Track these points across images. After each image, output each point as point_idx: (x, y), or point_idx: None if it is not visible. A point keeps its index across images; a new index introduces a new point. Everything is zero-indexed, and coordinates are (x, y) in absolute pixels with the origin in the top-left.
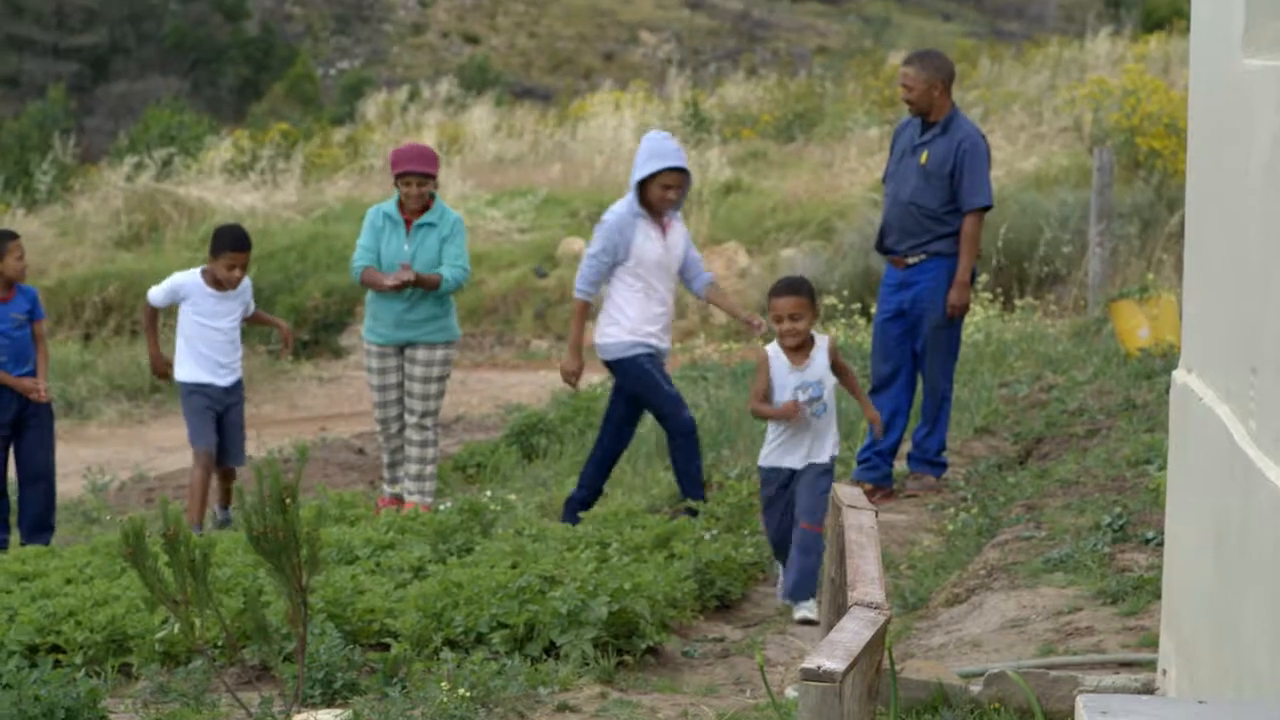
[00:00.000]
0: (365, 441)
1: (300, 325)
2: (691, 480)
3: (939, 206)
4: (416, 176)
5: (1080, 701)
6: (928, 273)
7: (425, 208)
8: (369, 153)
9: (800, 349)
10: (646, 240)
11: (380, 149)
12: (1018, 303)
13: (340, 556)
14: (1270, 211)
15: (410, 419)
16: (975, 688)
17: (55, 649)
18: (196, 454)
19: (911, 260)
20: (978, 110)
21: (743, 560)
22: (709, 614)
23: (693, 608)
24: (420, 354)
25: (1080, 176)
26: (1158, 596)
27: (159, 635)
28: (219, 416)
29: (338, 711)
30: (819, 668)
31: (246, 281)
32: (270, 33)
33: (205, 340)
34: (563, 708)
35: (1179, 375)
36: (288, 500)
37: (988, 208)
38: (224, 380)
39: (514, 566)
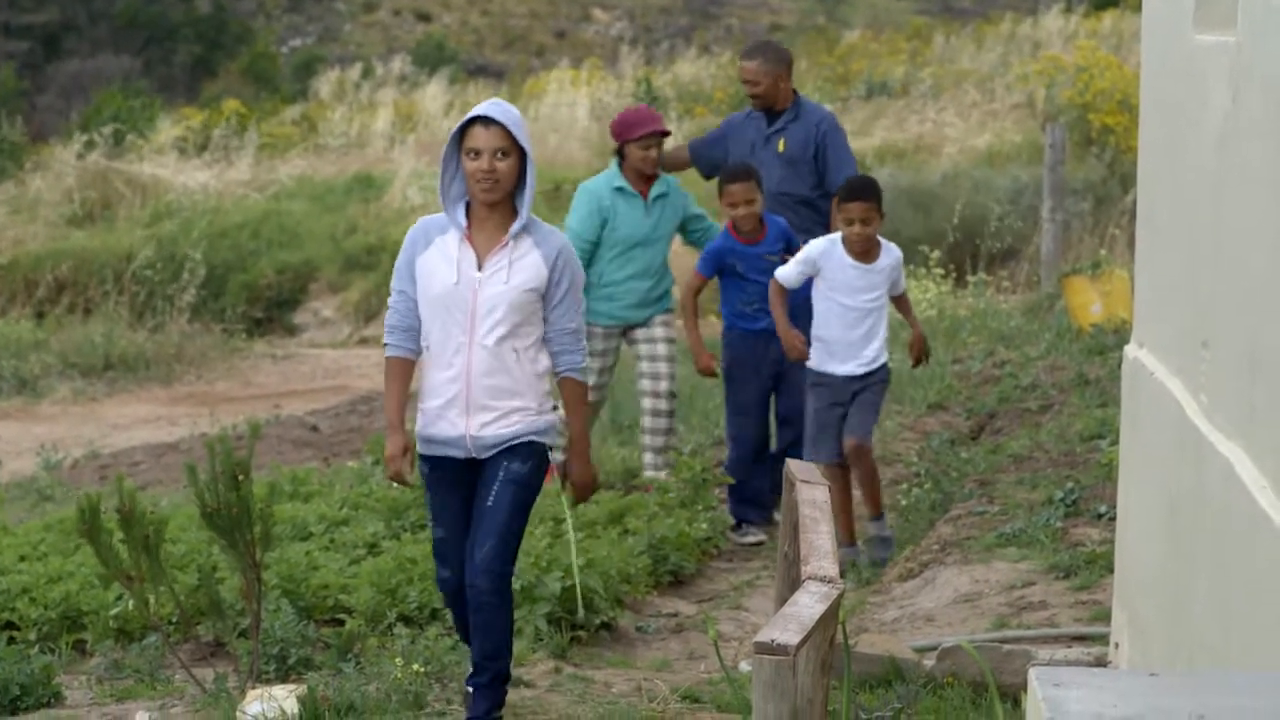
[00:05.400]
0: (319, 419)
1: (254, 303)
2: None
3: (809, 191)
4: (657, 138)
5: (1033, 674)
6: None
7: (654, 176)
8: (323, 130)
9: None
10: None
11: (333, 127)
12: (970, 279)
13: (294, 533)
14: (1221, 187)
15: (659, 399)
16: (929, 661)
17: (9, 626)
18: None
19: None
20: (928, 85)
21: (696, 536)
22: (663, 589)
23: (646, 583)
24: (659, 330)
25: (1033, 153)
26: (1110, 571)
27: (113, 612)
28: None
29: (292, 687)
30: (772, 641)
31: (893, 254)
32: (222, 10)
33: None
34: (517, 683)
35: (1131, 350)
36: (240, 477)
37: None
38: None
39: None
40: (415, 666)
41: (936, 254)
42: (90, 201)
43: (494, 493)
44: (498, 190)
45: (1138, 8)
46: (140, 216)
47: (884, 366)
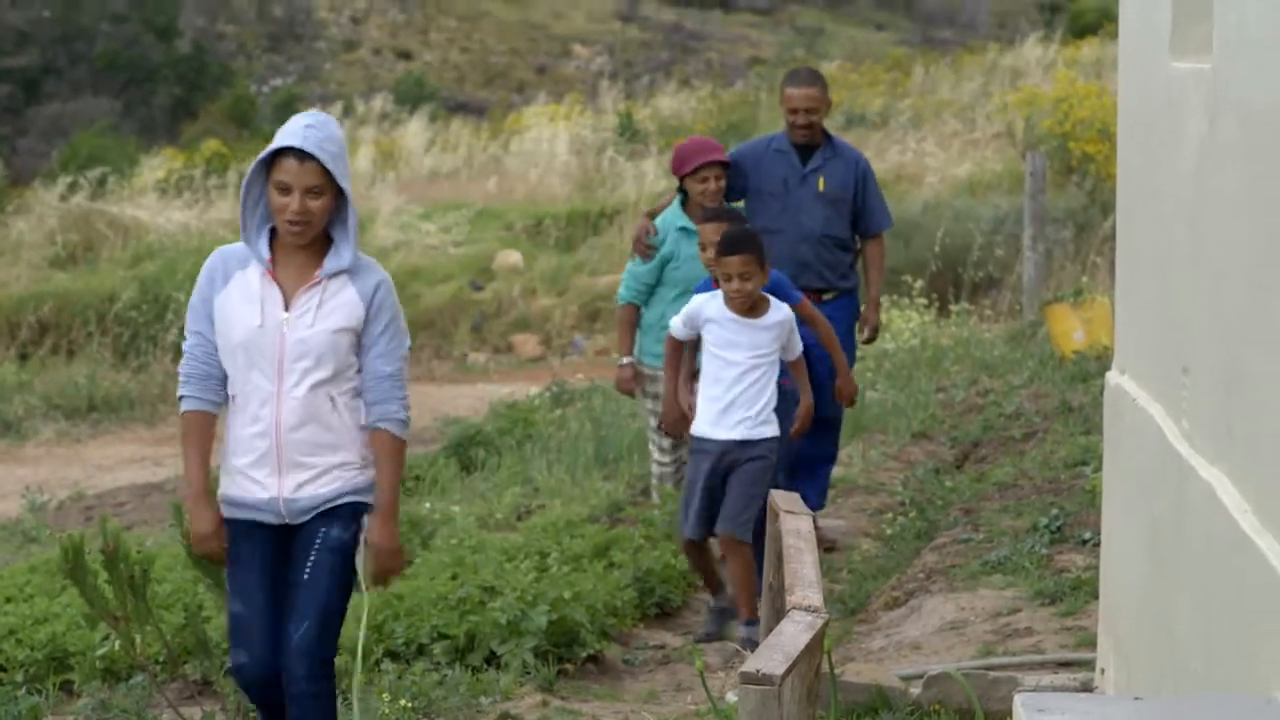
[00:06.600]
0: None
1: None
2: None
3: (848, 235)
4: (715, 168)
5: (1019, 701)
6: (840, 309)
7: None
8: None
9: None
10: None
11: None
12: (953, 308)
13: None
14: (1198, 213)
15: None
16: (915, 690)
17: None
18: None
19: (827, 296)
20: (908, 116)
21: (682, 568)
22: (649, 622)
23: (633, 615)
24: None
25: (1014, 182)
26: (1095, 597)
27: (100, 652)
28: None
29: None
30: (758, 671)
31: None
32: (202, 51)
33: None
34: (504, 717)
35: (1112, 376)
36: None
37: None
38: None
39: (454, 578)
40: (403, 702)
41: (919, 283)
42: (72, 243)
43: (310, 564)
44: (309, 233)
45: (1115, 35)
46: (122, 258)
47: (770, 440)
